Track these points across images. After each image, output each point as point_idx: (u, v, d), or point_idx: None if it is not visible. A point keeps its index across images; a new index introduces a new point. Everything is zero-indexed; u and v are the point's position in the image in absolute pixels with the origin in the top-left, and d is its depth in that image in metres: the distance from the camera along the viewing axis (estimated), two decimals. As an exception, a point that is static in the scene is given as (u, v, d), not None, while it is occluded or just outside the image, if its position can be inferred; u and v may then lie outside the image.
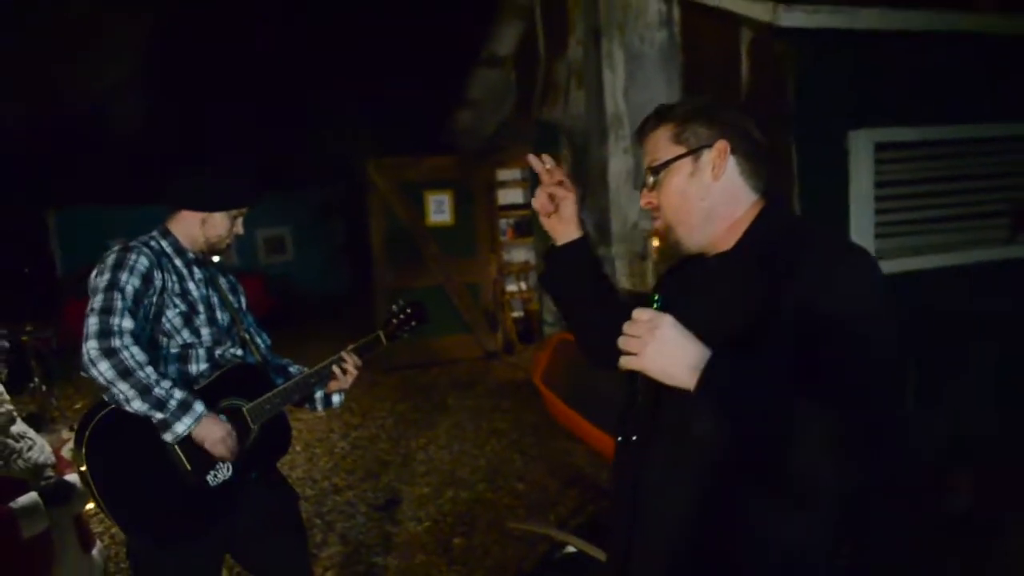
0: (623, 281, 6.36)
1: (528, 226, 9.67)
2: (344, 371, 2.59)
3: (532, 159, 1.76)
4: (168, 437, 2.23)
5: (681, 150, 1.50)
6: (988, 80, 4.51)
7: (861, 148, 4.34)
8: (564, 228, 1.78)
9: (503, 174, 9.78)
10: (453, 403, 7.15)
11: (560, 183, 1.74)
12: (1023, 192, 4.83)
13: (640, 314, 1.32)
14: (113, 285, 2.26)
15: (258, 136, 13.79)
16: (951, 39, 4.30)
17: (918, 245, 4.61)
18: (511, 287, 9.91)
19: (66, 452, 5.71)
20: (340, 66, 13.68)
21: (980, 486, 3.85)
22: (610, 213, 6.28)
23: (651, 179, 1.54)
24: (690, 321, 1.33)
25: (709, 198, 1.50)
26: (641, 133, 1.59)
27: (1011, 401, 4.55)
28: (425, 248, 8.76)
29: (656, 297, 1.40)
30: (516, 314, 9.82)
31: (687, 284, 1.60)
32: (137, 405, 2.18)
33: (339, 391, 2.70)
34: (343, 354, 2.61)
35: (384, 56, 13.64)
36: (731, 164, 1.49)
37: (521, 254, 10.21)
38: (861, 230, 4.41)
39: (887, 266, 4.45)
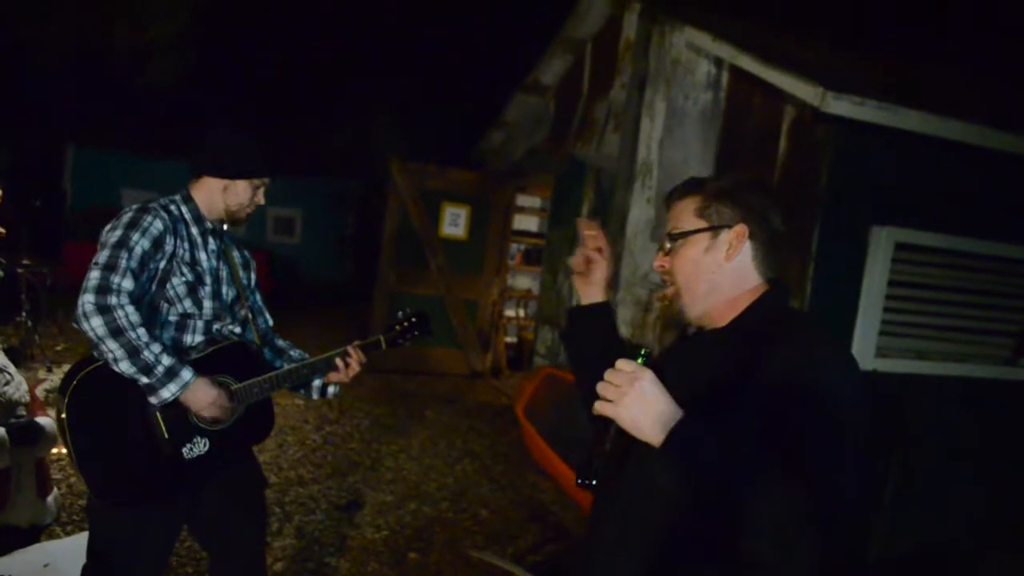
0: (623, 329, 6.36)
1: (537, 255, 9.69)
2: (347, 364, 2.60)
3: (581, 222, 1.86)
4: (154, 401, 2.22)
5: (702, 224, 1.57)
6: (1015, 200, 4.53)
7: (881, 244, 4.34)
8: (591, 290, 1.86)
9: (523, 199, 9.82)
10: (432, 416, 7.12)
11: (599, 249, 1.83)
12: (1031, 316, 4.85)
13: (623, 364, 1.37)
14: (122, 243, 2.24)
15: (286, 115, 13.85)
16: (987, 154, 4.31)
17: (921, 349, 4.60)
18: (509, 311, 9.90)
19: (40, 392, 5.68)
20: (382, 64, 13.75)
21: None
22: (622, 259, 6.29)
23: (668, 244, 1.61)
24: (673, 386, 1.38)
25: (718, 274, 1.56)
26: (670, 198, 1.65)
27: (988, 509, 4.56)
28: (433, 257, 8.77)
29: (642, 352, 1.44)
30: (509, 339, 9.81)
31: (679, 353, 1.68)
32: (124, 366, 2.17)
33: (336, 383, 2.69)
34: (349, 348, 2.61)
35: (429, 62, 13.72)
36: (746, 248, 1.56)
37: (526, 281, 10.22)
38: (867, 324, 4.42)
39: (886, 364, 4.45)
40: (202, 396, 2.28)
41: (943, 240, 4.49)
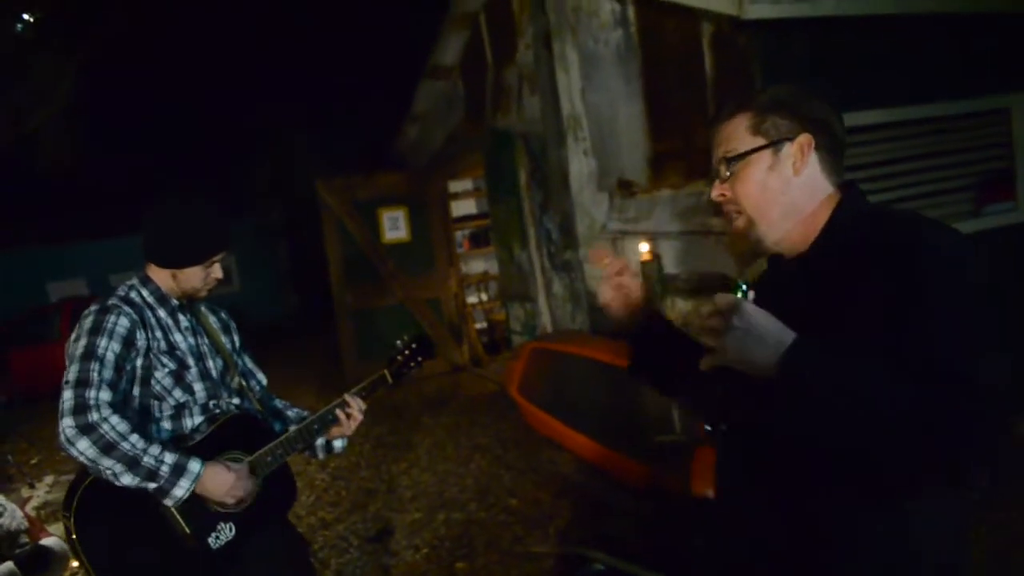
0: (593, 284, 6.31)
1: (484, 236, 9.59)
2: (348, 415, 2.42)
3: (592, 254, 1.74)
4: (169, 503, 2.06)
5: (760, 141, 1.43)
6: (947, 58, 4.57)
7: (828, 134, 4.34)
8: (633, 314, 1.70)
9: (455, 186, 9.70)
10: (429, 421, 7.00)
11: (621, 271, 1.68)
12: (983, 165, 4.91)
13: (721, 299, 1.26)
14: (90, 354, 2.06)
15: (196, 164, 13.46)
16: (909, 21, 4.33)
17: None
18: (472, 299, 9.80)
19: (30, 510, 5.41)
20: (284, 90, 13.42)
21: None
22: (575, 216, 6.23)
23: (725, 170, 1.47)
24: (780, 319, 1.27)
25: (789, 192, 1.43)
26: (715, 121, 1.51)
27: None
28: (383, 267, 8.61)
29: (739, 284, 1.33)
30: (480, 325, 9.72)
31: (772, 286, 1.55)
32: (127, 479, 2.00)
33: (342, 436, 2.51)
34: (346, 397, 2.43)
35: (326, 77, 13.41)
36: (812, 159, 1.42)
37: (479, 264, 10.13)
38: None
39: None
40: (219, 483, 2.12)
41: (881, 115, 4.51)
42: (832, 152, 1.44)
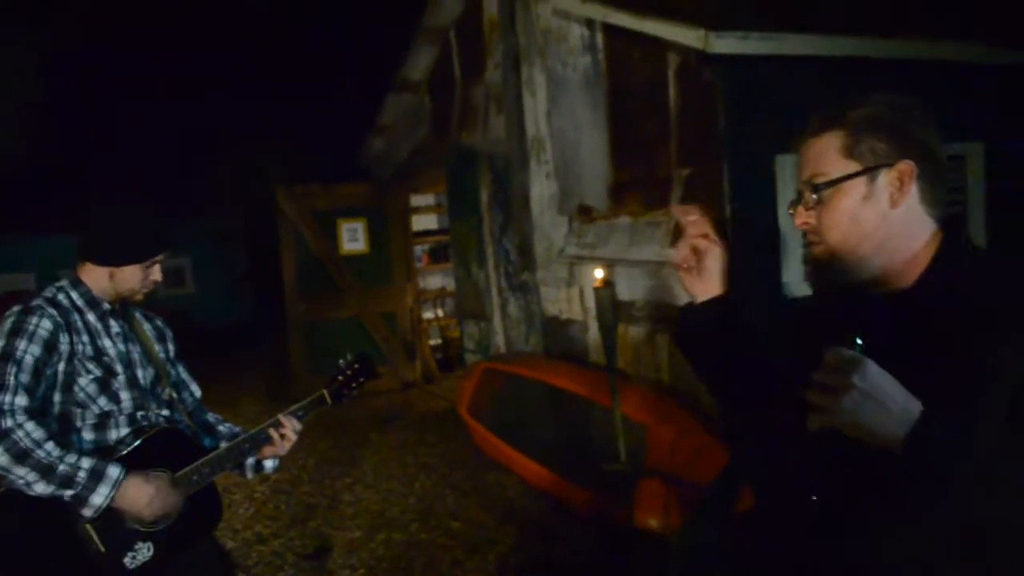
0: (548, 307, 6.29)
1: (443, 252, 9.54)
2: (282, 436, 2.34)
3: (675, 209, 1.56)
4: (88, 512, 1.96)
5: (854, 167, 1.27)
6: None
7: (788, 172, 4.38)
8: (706, 284, 1.52)
9: (417, 200, 9.66)
10: (376, 438, 6.89)
11: (705, 235, 1.50)
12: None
13: (836, 357, 1.09)
14: (7, 356, 1.97)
15: (152, 162, 13.22)
16: (871, 64, 4.39)
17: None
18: (428, 314, 9.74)
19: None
20: (245, 90, 13.25)
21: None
22: (534, 238, 6.21)
23: (812, 196, 1.31)
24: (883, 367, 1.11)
25: (885, 227, 1.27)
26: (801, 138, 1.36)
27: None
28: (339, 278, 8.50)
29: (856, 339, 1.12)
30: (434, 341, 9.64)
31: (868, 326, 1.33)
32: (41, 488, 1.90)
33: (274, 456, 2.43)
34: (281, 417, 2.35)
35: (293, 82, 13.29)
36: (912, 190, 1.27)
37: (437, 280, 10.08)
38: (789, 250, 4.46)
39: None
40: (139, 494, 2.02)
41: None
42: (934, 182, 1.29)
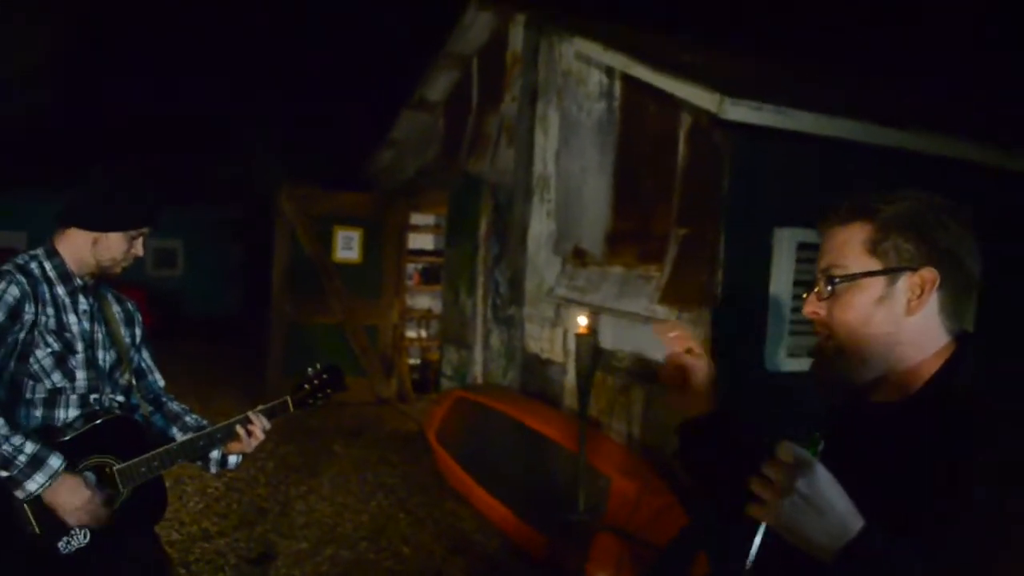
0: (530, 344, 6.26)
1: (435, 273, 9.52)
2: (250, 433, 2.31)
3: (657, 327, 1.51)
4: (19, 495, 1.92)
5: (875, 265, 1.22)
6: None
7: (784, 246, 4.40)
8: (695, 399, 1.50)
9: (416, 218, 9.65)
10: (339, 450, 6.82)
11: (690, 351, 1.48)
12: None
13: (787, 453, 1.05)
14: None
15: (165, 142, 13.20)
16: (882, 152, 4.43)
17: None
18: (411, 333, 9.69)
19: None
20: (261, 84, 13.28)
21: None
22: (526, 274, 6.20)
23: (826, 288, 1.25)
24: (844, 476, 1.07)
25: (896, 333, 1.22)
26: (827, 221, 1.30)
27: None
28: (329, 283, 8.47)
29: (815, 438, 1.10)
30: (413, 361, 9.59)
31: (849, 430, 1.29)
32: None
33: (239, 453, 2.39)
34: (250, 414, 2.33)
35: (310, 84, 13.34)
36: (932, 299, 1.21)
37: (425, 301, 10.05)
38: (777, 326, 4.46)
39: (798, 364, 4.50)
40: (68, 498, 1.98)
41: (840, 237, 4.59)
42: (958, 294, 1.23)
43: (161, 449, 2.21)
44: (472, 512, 5.43)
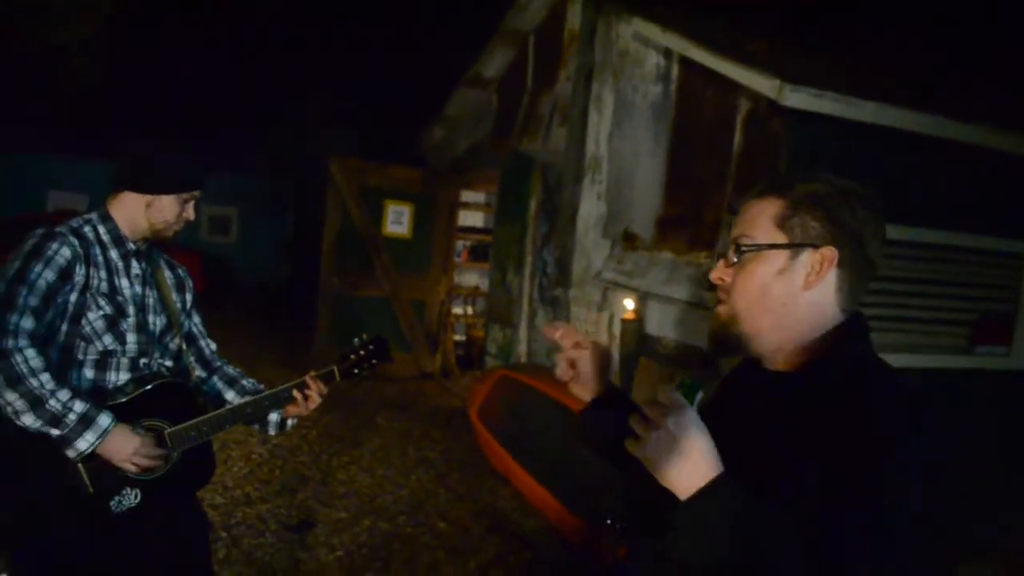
0: (575, 326, 6.23)
1: (484, 251, 9.52)
2: (306, 397, 2.34)
3: (546, 329, 1.61)
4: (71, 454, 1.97)
5: (780, 238, 1.27)
6: (966, 190, 4.52)
7: (840, 237, 4.29)
8: (590, 387, 1.58)
9: (467, 195, 9.65)
10: (383, 422, 6.90)
11: (576, 344, 1.56)
12: (985, 304, 4.86)
13: (664, 395, 1.14)
14: (21, 277, 1.98)
15: (222, 112, 13.40)
16: (937, 144, 4.29)
17: (877, 342, 4.56)
18: (457, 310, 9.73)
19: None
20: (321, 59, 13.37)
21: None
22: (574, 255, 6.16)
23: (733, 256, 1.32)
24: (721, 431, 1.15)
25: (791, 306, 1.27)
26: (746, 196, 1.37)
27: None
28: (377, 257, 8.53)
29: (688, 383, 1.20)
30: (458, 338, 9.64)
31: (735, 390, 1.41)
32: (28, 420, 1.91)
33: (295, 416, 2.43)
34: (308, 379, 2.36)
35: (366, 58, 13.38)
36: (830, 276, 1.27)
37: (473, 278, 10.07)
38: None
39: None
40: (122, 446, 2.02)
41: (898, 231, 4.45)
42: (857, 275, 1.28)
43: (212, 414, 2.25)
44: (511, 491, 5.46)
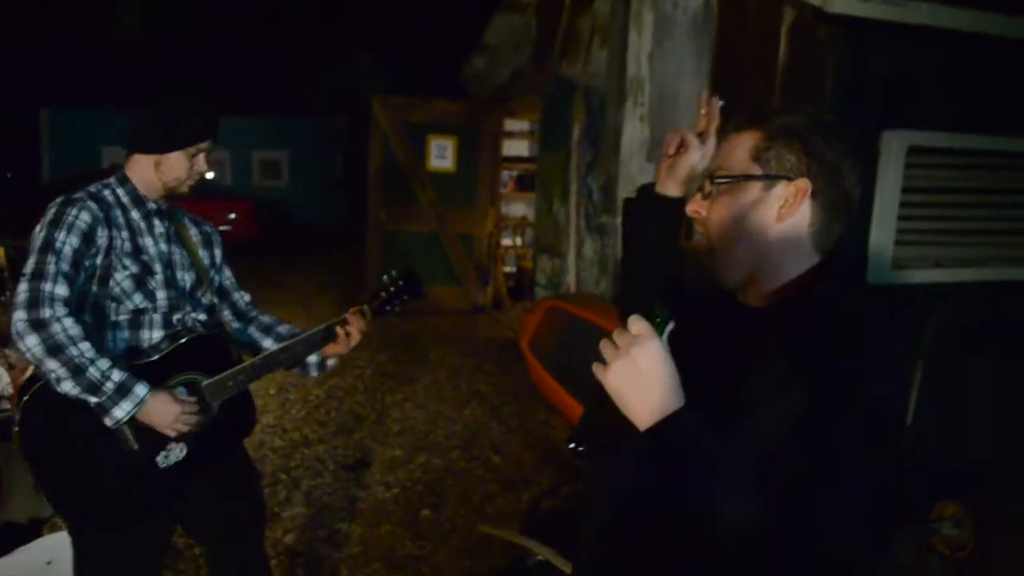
0: (620, 252, 6.13)
1: (531, 180, 9.40)
2: (348, 334, 2.33)
3: (702, 98, 1.52)
4: (108, 422, 2.00)
5: (755, 170, 1.24)
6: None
7: (893, 150, 4.07)
8: (668, 182, 1.53)
9: (511, 124, 9.49)
10: (435, 358, 6.97)
11: (701, 133, 1.49)
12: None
13: (633, 323, 1.13)
14: (48, 246, 1.99)
15: (264, 57, 13.37)
16: (999, 44, 4.01)
17: (941, 256, 4.38)
18: (506, 241, 9.68)
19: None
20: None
21: (970, 517, 3.71)
22: (619, 181, 6.02)
23: (708, 187, 1.29)
24: (689, 364, 1.15)
25: (762, 237, 1.25)
26: (724, 130, 1.34)
27: (1012, 427, 4.41)
28: (422, 193, 8.51)
29: (658, 311, 1.18)
30: (508, 269, 9.62)
31: (707, 322, 1.37)
32: (68, 387, 1.93)
33: (336, 355, 2.42)
34: (348, 316, 2.34)
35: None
36: (803, 210, 1.23)
37: (520, 208, 9.97)
38: (882, 235, 4.18)
39: (905, 276, 4.24)
40: (163, 413, 2.04)
41: (958, 140, 4.22)
42: (831, 210, 1.24)
43: (247, 363, 2.26)
44: (563, 422, 5.48)
